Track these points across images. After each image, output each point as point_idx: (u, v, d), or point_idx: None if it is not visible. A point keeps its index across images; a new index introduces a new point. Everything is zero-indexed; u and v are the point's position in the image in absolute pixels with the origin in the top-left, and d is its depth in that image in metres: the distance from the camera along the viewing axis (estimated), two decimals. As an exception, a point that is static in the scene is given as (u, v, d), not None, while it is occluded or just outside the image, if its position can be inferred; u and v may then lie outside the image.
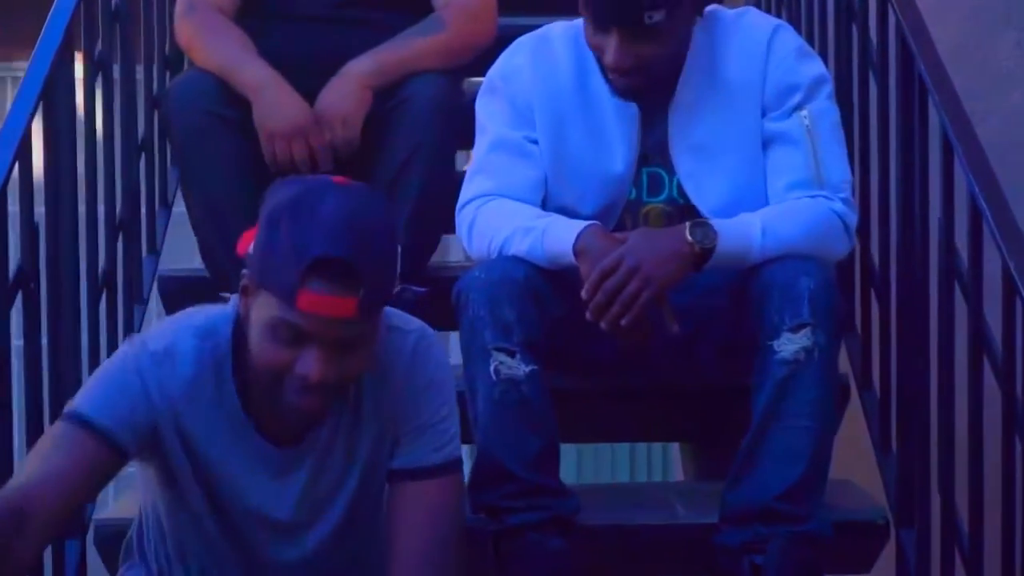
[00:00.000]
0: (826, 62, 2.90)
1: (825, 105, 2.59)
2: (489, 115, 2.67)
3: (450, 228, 2.75)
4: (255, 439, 2.11)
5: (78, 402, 2.07)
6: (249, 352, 2.03)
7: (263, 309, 1.97)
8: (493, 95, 2.68)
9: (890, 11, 2.79)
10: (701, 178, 2.59)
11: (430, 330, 2.20)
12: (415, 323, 2.17)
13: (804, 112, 2.56)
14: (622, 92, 2.58)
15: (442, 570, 2.13)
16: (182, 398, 2.08)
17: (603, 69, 2.57)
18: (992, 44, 3.39)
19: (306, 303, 1.92)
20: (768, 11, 3.54)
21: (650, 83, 2.55)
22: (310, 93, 2.95)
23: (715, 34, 2.61)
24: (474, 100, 2.72)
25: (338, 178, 2.09)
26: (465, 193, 2.64)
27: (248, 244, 2.03)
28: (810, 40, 3.20)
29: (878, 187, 2.88)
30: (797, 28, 3.18)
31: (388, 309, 2.10)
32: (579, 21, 2.59)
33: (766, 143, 2.58)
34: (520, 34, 2.72)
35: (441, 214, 2.94)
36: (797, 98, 2.57)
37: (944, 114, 2.50)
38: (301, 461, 2.13)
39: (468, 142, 2.83)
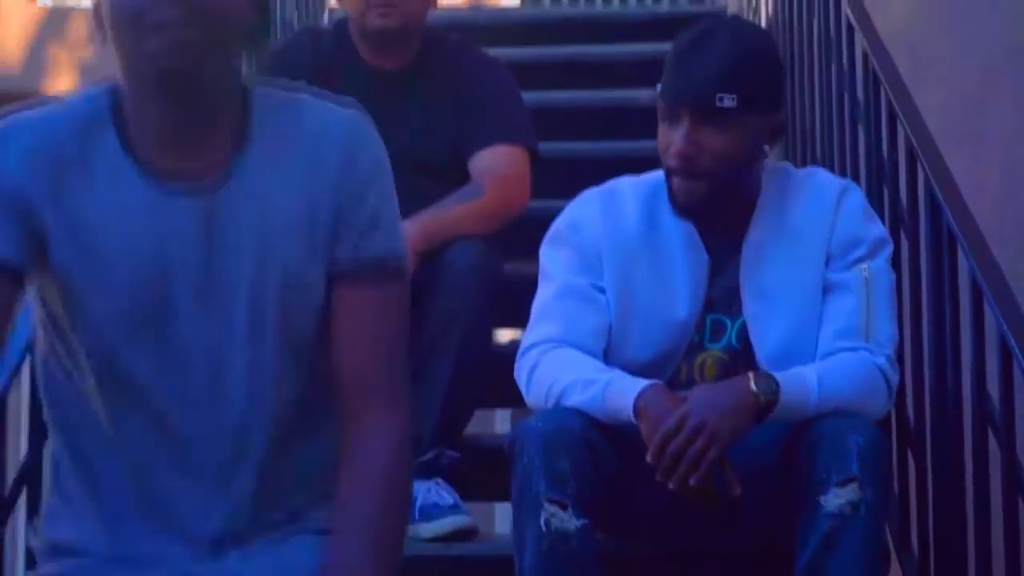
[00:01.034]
0: None
1: (884, 266, 2.63)
2: (555, 263, 2.69)
3: (487, 397, 2.78)
4: (141, 179, 1.84)
5: None
6: None
7: None
8: (560, 243, 2.70)
9: (919, 170, 2.86)
10: (765, 322, 2.61)
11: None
12: (354, 104, 1.94)
13: (864, 267, 2.60)
14: (685, 201, 2.59)
15: (400, 382, 1.91)
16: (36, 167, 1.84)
17: (670, 191, 2.61)
18: None
19: None
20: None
21: (711, 195, 2.57)
22: None
23: (785, 186, 2.66)
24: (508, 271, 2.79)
25: None
26: (528, 338, 2.64)
27: None
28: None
29: (911, 340, 2.90)
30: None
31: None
32: (646, 175, 2.68)
33: (825, 291, 2.60)
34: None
35: (478, 380, 2.99)
36: (860, 252, 2.61)
37: (972, 258, 2.54)
38: (194, 199, 1.84)
39: (506, 314, 2.90)
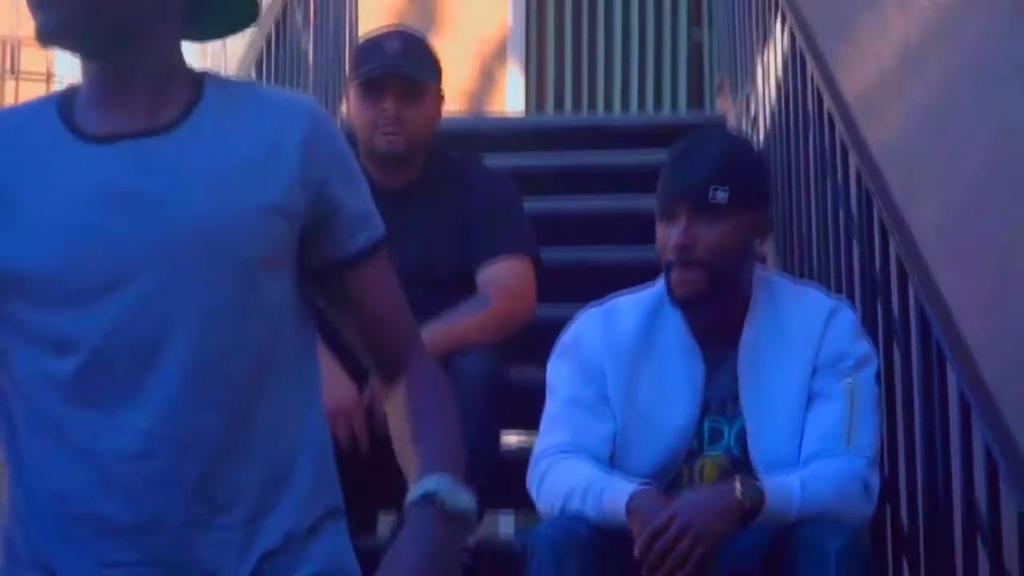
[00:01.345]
0: None
1: (869, 380, 2.78)
2: (560, 376, 2.85)
3: (495, 501, 2.87)
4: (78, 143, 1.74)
5: None
6: None
7: None
8: (565, 359, 2.86)
9: (910, 285, 2.97)
10: (763, 427, 2.74)
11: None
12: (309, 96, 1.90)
13: (850, 379, 2.74)
14: (683, 293, 2.75)
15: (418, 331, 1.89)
16: None
17: (668, 287, 2.77)
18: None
19: None
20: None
21: (708, 288, 2.74)
22: (361, 368, 3.10)
23: (778, 295, 2.83)
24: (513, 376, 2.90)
25: None
26: (539, 446, 2.80)
27: None
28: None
29: (904, 450, 3.00)
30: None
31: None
32: (644, 291, 2.85)
33: (811, 399, 2.75)
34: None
35: (486, 487, 3.06)
36: (846, 366, 2.75)
37: (961, 375, 2.65)
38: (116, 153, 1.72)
39: (513, 419, 2.98)
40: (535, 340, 3.13)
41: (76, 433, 1.68)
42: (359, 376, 3.16)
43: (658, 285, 2.86)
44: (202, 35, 1.88)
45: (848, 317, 2.83)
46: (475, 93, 7.82)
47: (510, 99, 7.89)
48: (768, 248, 4.43)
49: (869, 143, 4.08)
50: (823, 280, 3.65)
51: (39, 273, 1.69)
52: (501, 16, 8.00)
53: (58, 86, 6.81)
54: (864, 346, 2.81)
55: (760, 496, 2.57)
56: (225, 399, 1.70)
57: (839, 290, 3.51)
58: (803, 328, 2.78)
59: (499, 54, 7.94)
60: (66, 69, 6.91)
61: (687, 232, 2.73)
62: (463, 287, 3.37)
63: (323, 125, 1.80)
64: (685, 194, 2.74)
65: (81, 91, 1.78)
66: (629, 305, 2.87)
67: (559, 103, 8.07)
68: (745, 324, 2.79)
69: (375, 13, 6.81)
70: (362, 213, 1.83)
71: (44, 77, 7.05)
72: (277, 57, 4.43)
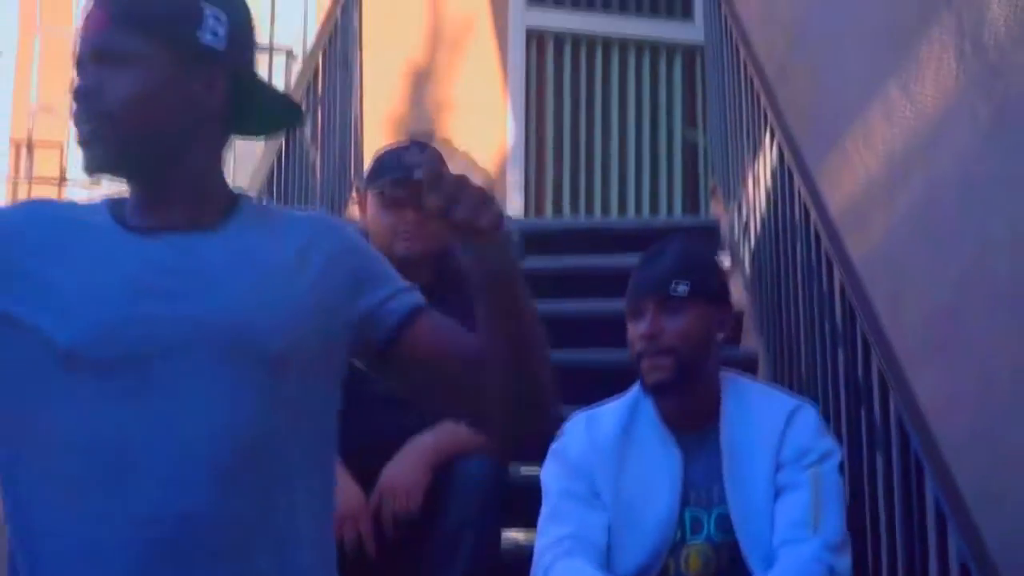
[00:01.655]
0: (840, 436, 3.28)
1: (831, 471, 2.95)
2: (553, 477, 3.03)
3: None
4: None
5: None
6: None
7: None
8: (555, 461, 3.04)
9: (891, 395, 3.11)
10: (748, 514, 2.92)
11: None
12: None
13: (813, 470, 2.92)
14: (654, 379, 2.98)
15: None
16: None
17: (641, 378, 2.99)
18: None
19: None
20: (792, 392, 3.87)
21: (677, 374, 2.96)
22: (369, 469, 3.23)
23: (744, 394, 3.04)
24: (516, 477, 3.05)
25: None
26: (540, 541, 2.96)
27: None
28: (827, 417, 3.51)
29: (887, 554, 3.12)
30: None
31: None
32: (624, 396, 3.05)
33: (778, 491, 2.92)
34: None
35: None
36: (810, 459, 2.94)
37: (939, 487, 2.78)
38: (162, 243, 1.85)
39: (514, 517, 3.10)
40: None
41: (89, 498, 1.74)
42: (365, 481, 3.26)
43: (636, 387, 3.07)
44: (246, 132, 2.00)
45: (809, 416, 3.02)
46: (479, 200, 7.94)
47: (510, 203, 8.02)
48: (759, 351, 4.57)
49: (858, 248, 4.21)
50: (810, 385, 3.79)
51: (71, 345, 1.76)
52: (501, 125, 8.11)
53: (71, 188, 6.99)
54: (827, 442, 3.01)
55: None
56: (236, 485, 1.75)
57: (825, 396, 3.65)
58: (768, 426, 2.97)
59: (499, 161, 8.04)
60: (79, 172, 7.07)
61: (653, 323, 2.98)
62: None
63: (342, 230, 1.95)
64: (650, 290, 3.01)
65: (131, 194, 1.91)
66: (610, 409, 3.09)
67: (557, 208, 8.16)
68: (721, 417, 2.99)
69: (379, 125, 7.05)
70: (393, 289, 1.94)
71: (57, 181, 7.16)
72: (288, 166, 4.59)
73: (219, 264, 1.83)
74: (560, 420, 1.83)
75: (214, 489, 1.74)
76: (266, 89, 1.98)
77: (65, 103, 1.92)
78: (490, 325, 1.85)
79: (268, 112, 1.99)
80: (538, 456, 3.09)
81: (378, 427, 3.29)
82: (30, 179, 6.78)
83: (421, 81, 8.04)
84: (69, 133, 6.94)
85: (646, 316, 3.01)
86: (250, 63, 1.95)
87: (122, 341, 1.77)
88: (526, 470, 3.56)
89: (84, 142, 1.85)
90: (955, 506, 2.72)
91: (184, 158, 1.88)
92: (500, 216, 1.82)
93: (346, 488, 3.21)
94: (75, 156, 6.97)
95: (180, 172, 1.88)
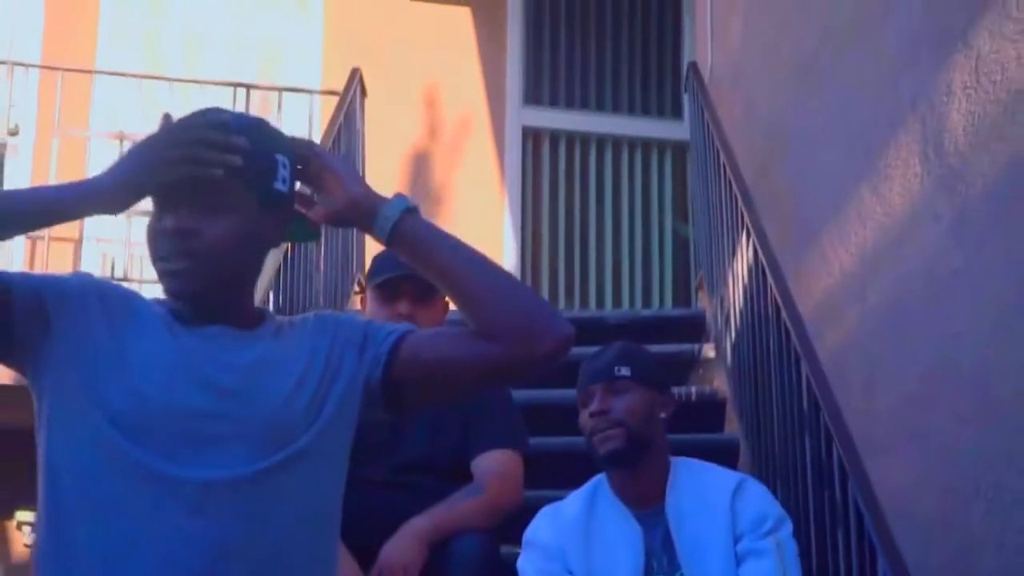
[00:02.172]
0: (806, 517, 3.50)
1: (789, 536, 3.20)
2: (530, 561, 3.28)
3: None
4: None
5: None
6: None
7: None
8: (529, 549, 3.30)
9: (849, 484, 3.34)
10: (702, 571, 3.15)
11: None
12: None
13: (774, 537, 3.16)
14: (606, 450, 3.26)
15: None
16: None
17: (594, 450, 3.28)
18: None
19: None
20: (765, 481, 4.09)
21: (628, 444, 3.24)
22: (366, 547, 3.40)
23: (693, 471, 3.30)
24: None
25: None
26: None
27: None
28: (794, 498, 3.75)
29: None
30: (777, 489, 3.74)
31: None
32: (585, 485, 3.29)
33: (740, 559, 3.16)
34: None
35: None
36: (768, 525, 3.19)
37: (888, 567, 3.01)
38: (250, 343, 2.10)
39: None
40: (525, 522, 3.46)
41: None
42: (363, 558, 3.42)
43: (595, 477, 3.34)
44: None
45: (755, 487, 3.28)
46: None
47: None
48: (739, 437, 4.77)
49: (834, 338, 4.40)
50: (781, 467, 3.99)
51: (126, 414, 1.97)
52: (498, 219, 8.32)
53: (88, 244, 7.15)
54: (778, 508, 3.25)
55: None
56: (250, 562, 1.95)
57: (794, 477, 3.87)
58: (717, 499, 3.22)
59: (495, 254, 8.18)
60: (96, 230, 7.24)
61: (602, 402, 3.31)
62: (460, 475, 3.66)
63: (336, 319, 2.16)
64: (596, 377, 3.35)
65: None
66: (572, 497, 3.37)
67: (552, 301, 8.20)
68: (668, 490, 3.25)
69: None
70: (385, 334, 2.13)
71: (75, 241, 7.29)
72: (293, 262, 4.84)
73: (251, 366, 2.04)
74: (572, 338, 2.00)
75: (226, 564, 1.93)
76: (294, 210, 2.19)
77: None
78: (437, 282, 2.10)
79: (290, 226, 2.20)
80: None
81: (376, 506, 3.47)
82: (48, 238, 6.84)
83: (420, 177, 8.24)
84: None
85: (595, 398, 3.32)
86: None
87: (168, 424, 1.97)
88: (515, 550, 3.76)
89: (175, 273, 2.05)
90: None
91: (246, 283, 2.15)
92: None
93: (345, 566, 3.35)
94: (92, 219, 7.18)
95: (238, 290, 2.13)
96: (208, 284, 2.06)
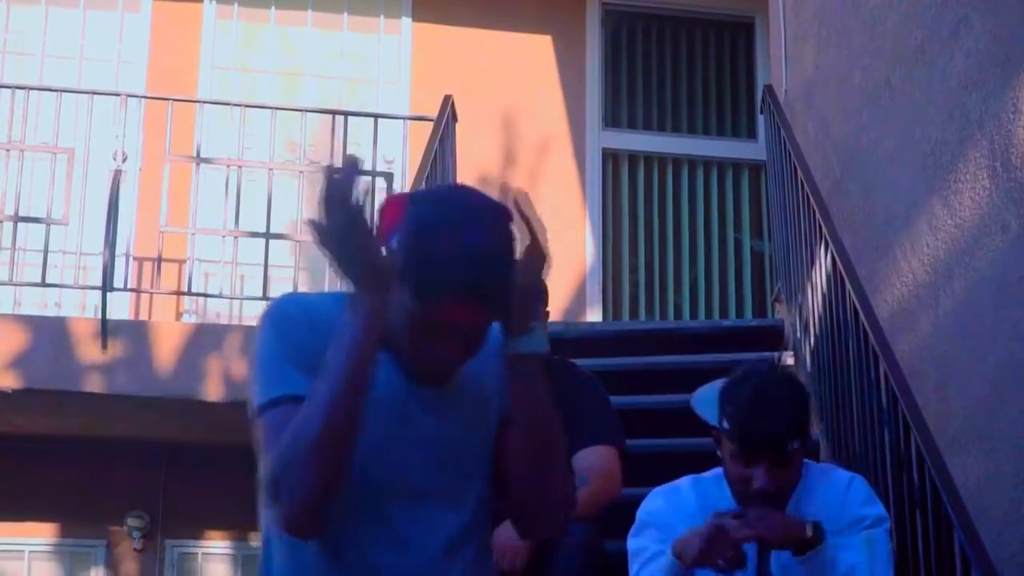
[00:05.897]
0: (886, 504, 3.64)
1: (883, 535, 3.33)
2: (640, 541, 3.34)
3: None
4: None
5: (266, 392, 2.18)
6: None
7: None
8: (642, 527, 3.38)
9: (926, 469, 3.57)
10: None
11: None
12: None
13: (866, 533, 3.29)
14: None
15: None
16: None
17: (738, 495, 3.29)
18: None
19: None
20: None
21: (783, 500, 3.25)
22: None
23: (807, 473, 3.38)
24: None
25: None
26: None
27: None
28: (875, 486, 3.92)
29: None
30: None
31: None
32: (705, 475, 3.39)
33: (834, 553, 3.28)
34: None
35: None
36: (864, 524, 3.30)
37: (964, 539, 3.23)
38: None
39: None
40: (624, 517, 3.58)
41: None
42: None
43: (716, 471, 3.40)
44: None
45: (861, 488, 3.39)
46: (564, 306, 8.27)
47: (590, 312, 8.21)
48: (820, 436, 4.94)
49: (908, 344, 4.51)
50: (861, 461, 4.16)
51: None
52: (580, 238, 8.48)
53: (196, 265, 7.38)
54: (878, 508, 3.36)
55: (822, 539, 3.10)
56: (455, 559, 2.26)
57: (874, 470, 4.05)
58: (832, 496, 3.35)
59: (579, 272, 8.35)
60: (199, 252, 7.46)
61: (771, 479, 3.20)
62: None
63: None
64: (767, 448, 3.19)
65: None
66: (688, 483, 3.43)
67: (634, 315, 8.41)
68: (793, 497, 3.36)
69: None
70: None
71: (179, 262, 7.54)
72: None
73: (444, 410, 2.26)
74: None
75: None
76: None
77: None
78: (528, 427, 2.24)
79: None
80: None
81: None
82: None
83: (505, 200, 8.45)
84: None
85: (759, 466, 3.19)
86: None
87: (387, 459, 2.20)
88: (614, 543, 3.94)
89: (435, 377, 2.23)
90: (980, 559, 3.10)
91: None
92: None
93: None
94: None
95: None
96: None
